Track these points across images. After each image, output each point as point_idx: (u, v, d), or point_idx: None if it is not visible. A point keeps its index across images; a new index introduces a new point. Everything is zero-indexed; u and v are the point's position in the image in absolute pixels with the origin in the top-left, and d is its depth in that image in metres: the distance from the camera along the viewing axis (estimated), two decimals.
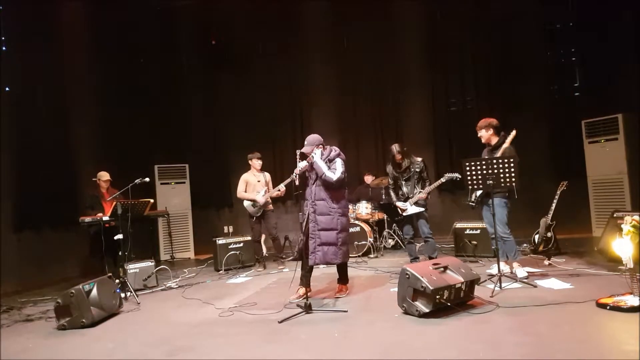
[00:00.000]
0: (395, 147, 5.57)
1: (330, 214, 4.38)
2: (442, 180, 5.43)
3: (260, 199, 6.28)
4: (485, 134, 4.88)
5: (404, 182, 5.56)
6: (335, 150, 4.54)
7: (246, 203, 6.40)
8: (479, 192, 4.82)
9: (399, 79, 9.03)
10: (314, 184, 4.45)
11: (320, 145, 4.48)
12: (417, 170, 5.50)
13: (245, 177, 6.49)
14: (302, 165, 4.43)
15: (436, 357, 2.91)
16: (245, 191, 6.42)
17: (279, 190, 6.24)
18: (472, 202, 4.92)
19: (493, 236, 4.71)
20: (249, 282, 5.82)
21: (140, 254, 6.26)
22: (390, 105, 9.15)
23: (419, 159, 5.57)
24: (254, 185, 6.41)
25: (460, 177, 5.43)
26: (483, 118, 4.99)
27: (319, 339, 3.41)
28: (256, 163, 6.51)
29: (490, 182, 4.35)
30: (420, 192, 5.45)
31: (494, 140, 4.85)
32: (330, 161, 4.45)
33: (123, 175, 6.17)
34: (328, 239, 4.36)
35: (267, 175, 6.57)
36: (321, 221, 4.36)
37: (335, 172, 4.37)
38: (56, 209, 6.79)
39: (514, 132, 4.69)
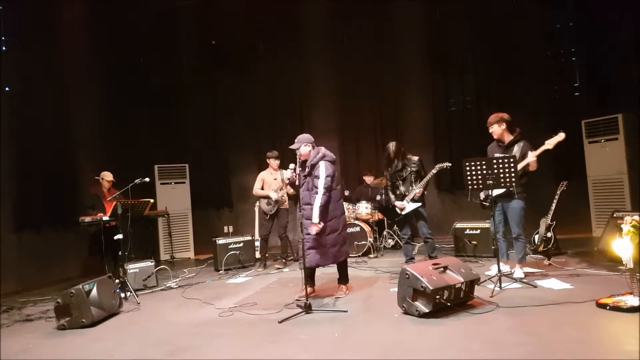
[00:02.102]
0: (390, 146, 5.58)
1: (310, 218, 4.36)
2: (434, 171, 5.42)
3: (274, 195, 6.36)
4: (497, 129, 4.72)
5: (400, 182, 5.57)
6: (320, 151, 4.51)
7: (262, 201, 6.53)
8: (494, 192, 4.63)
9: (399, 79, 9.02)
10: (301, 187, 4.44)
11: (310, 144, 4.50)
12: (414, 169, 5.49)
13: (261, 175, 6.59)
14: (287, 174, 4.46)
15: (436, 357, 2.91)
16: (262, 189, 6.51)
17: (289, 189, 6.29)
18: (484, 201, 4.86)
19: (496, 236, 4.70)
20: (249, 282, 5.82)
21: (140, 254, 6.27)
22: (390, 105, 9.13)
23: (416, 158, 5.56)
24: (270, 184, 6.49)
25: (450, 165, 5.42)
26: (486, 117, 4.86)
27: (319, 339, 3.41)
28: (273, 162, 6.55)
29: (490, 182, 4.34)
30: (414, 188, 5.45)
31: (507, 136, 4.72)
32: (313, 166, 4.44)
33: (123, 175, 6.17)
34: (316, 242, 4.35)
35: (286, 173, 6.51)
36: (307, 225, 4.37)
37: (319, 182, 4.34)
38: (56, 209, 6.78)
39: (562, 135, 4.47)
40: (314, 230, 4.31)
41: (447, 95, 8.91)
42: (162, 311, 4.59)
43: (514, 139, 4.69)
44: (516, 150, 4.62)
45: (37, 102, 6.79)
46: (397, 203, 5.57)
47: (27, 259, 6.45)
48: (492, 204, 4.70)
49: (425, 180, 5.43)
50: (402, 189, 5.56)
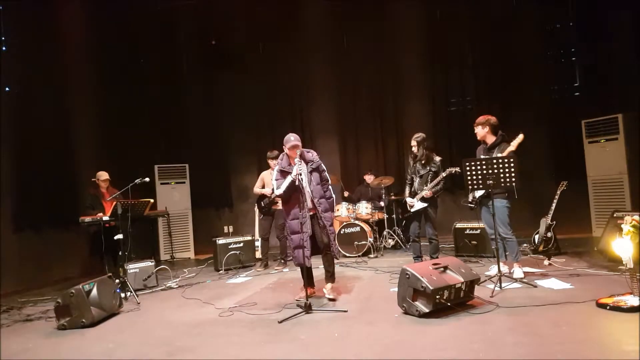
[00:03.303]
0: (415, 135, 5.62)
1: (329, 210, 4.53)
2: (443, 174, 5.43)
3: (267, 191, 6.40)
4: (480, 131, 4.86)
5: (418, 179, 5.57)
6: (314, 152, 4.64)
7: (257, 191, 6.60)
8: (477, 193, 4.80)
9: (399, 79, 9.02)
10: (310, 183, 4.44)
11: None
12: (434, 170, 5.50)
13: (262, 174, 6.67)
14: (300, 168, 4.35)
15: (436, 357, 2.91)
16: (263, 188, 6.56)
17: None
18: (471, 203, 4.91)
19: (492, 237, 4.71)
20: (249, 282, 5.82)
21: (140, 254, 6.28)
22: (390, 105, 9.14)
23: (438, 159, 5.57)
24: (269, 183, 6.49)
25: (460, 170, 5.43)
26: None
27: (319, 339, 3.41)
28: (271, 163, 6.56)
29: (491, 182, 4.34)
30: (424, 189, 5.45)
31: (490, 138, 4.82)
32: (315, 163, 4.51)
33: (123, 175, 6.17)
34: (333, 234, 4.53)
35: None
36: (328, 217, 4.47)
37: (327, 175, 4.60)
38: (56, 209, 6.79)
39: (521, 137, 4.58)
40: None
41: (447, 95, 8.91)
42: (162, 311, 4.59)
43: (496, 141, 4.78)
44: (496, 153, 4.71)
45: (37, 102, 6.79)
46: (408, 200, 5.61)
47: (27, 259, 6.45)
48: (479, 205, 4.78)
49: (434, 182, 5.43)
50: (416, 185, 5.59)
